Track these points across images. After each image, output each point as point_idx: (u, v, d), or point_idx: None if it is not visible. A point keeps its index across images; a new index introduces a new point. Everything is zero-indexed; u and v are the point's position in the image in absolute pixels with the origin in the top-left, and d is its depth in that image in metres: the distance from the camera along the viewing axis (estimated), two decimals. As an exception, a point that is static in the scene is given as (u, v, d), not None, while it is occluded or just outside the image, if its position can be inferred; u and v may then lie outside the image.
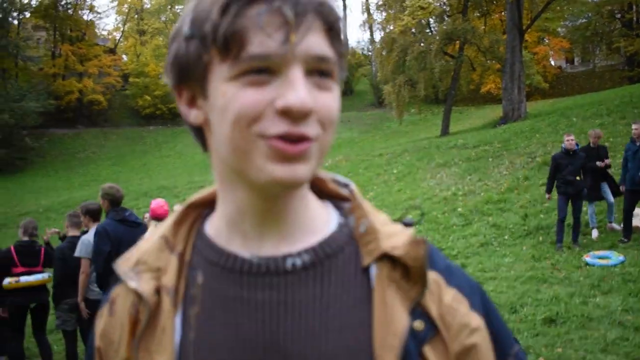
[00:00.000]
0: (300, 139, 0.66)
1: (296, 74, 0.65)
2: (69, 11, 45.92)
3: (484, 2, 27.31)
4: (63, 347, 6.88)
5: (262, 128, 0.66)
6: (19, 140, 36.64)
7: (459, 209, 12.57)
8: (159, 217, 5.36)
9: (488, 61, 28.58)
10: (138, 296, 0.78)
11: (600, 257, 8.46)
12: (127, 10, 53.69)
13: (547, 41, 40.87)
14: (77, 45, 44.92)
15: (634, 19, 37.25)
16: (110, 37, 55.14)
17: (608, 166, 9.60)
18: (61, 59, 44.20)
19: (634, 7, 35.53)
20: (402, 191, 15.20)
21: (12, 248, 6.53)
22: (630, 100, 18.15)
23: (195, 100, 0.74)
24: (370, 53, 47.81)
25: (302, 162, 0.68)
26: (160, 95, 43.65)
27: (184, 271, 0.80)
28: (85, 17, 48.13)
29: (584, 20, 38.00)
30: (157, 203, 5.46)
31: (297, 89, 0.65)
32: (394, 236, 0.77)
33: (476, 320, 0.76)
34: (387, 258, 0.76)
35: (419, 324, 0.73)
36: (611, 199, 9.62)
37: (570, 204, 9.34)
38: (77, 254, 5.80)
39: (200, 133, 0.77)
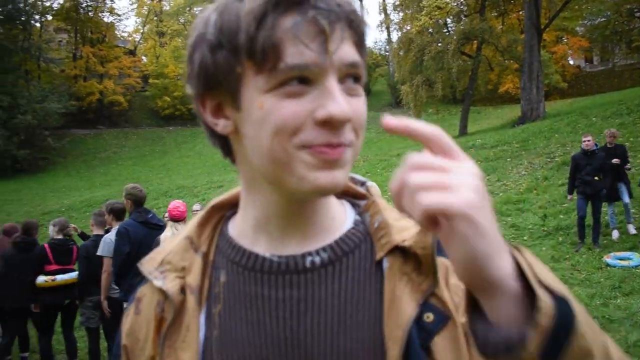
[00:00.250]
0: (339, 145, 0.68)
1: (333, 83, 0.66)
2: (90, 14, 46.48)
3: (501, 2, 27.14)
4: (85, 344, 6.98)
5: (303, 138, 0.67)
6: (42, 140, 37.18)
7: (478, 210, 12.51)
8: (174, 218, 5.45)
9: (506, 61, 28.41)
10: (164, 295, 0.81)
11: (621, 258, 8.38)
12: (146, 12, 54.14)
13: (565, 40, 40.45)
14: (97, 47, 45.45)
15: (655, 17, 36.76)
16: (130, 39, 55.61)
17: (624, 166, 9.51)
18: (82, 60, 44.74)
19: (655, 5, 35.04)
20: (421, 191, 15.16)
21: (46, 246, 6.56)
22: (651, 99, 17.92)
23: (221, 110, 0.74)
24: (387, 53, 47.71)
25: (340, 167, 0.69)
26: (180, 96, 44.01)
27: (207, 270, 0.82)
28: (105, 20, 48.69)
29: (603, 19, 37.50)
30: (174, 204, 5.56)
31: (336, 99, 0.66)
32: (406, 230, 0.77)
33: None
34: (399, 251, 0.77)
35: (428, 316, 0.73)
36: (626, 199, 9.54)
37: (590, 204, 9.29)
38: (99, 252, 5.88)
39: (224, 141, 0.77)
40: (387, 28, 42.98)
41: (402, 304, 0.73)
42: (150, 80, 46.76)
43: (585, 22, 39.64)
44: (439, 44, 25.51)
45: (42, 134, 37.15)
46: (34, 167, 36.08)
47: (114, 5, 63.51)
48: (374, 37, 64.02)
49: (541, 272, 0.59)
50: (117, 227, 5.91)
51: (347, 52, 0.68)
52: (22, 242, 6.77)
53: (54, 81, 43.23)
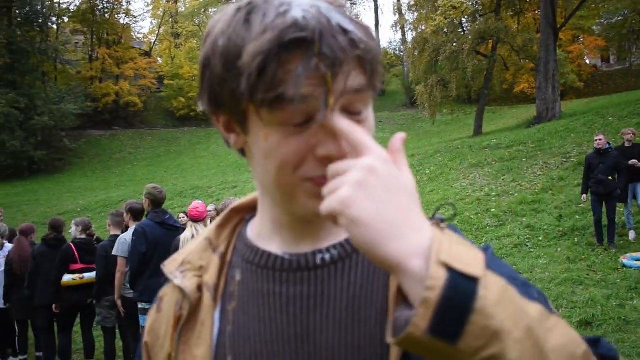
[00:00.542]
0: None
1: (334, 120, 0.67)
2: (106, 15, 46.86)
3: (517, 1, 26.93)
4: (101, 344, 7.04)
5: (306, 171, 0.70)
6: (58, 141, 37.54)
7: (492, 210, 12.46)
8: (193, 219, 5.49)
9: (521, 60, 28.18)
10: (182, 293, 0.84)
11: (638, 259, 8.31)
12: (162, 14, 54.53)
13: (582, 39, 40.05)
14: (113, 49, 45.81)
15: (673, 15, 36.28)
16: (145, 40, 56.04)
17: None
18: (98, 62, 45.13)
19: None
20: (435, 192, 15.12)
21: (71, 245, 6.63)
22: (669, 99, 17.72)
23: (232, 127, 0.76)
24: (402, 53, 47.63)
25: None
26: (195, 97, 44.14)
27: (224, 270, 0.86)
28: (121, 21, 49.03)
29: (620, 18, 37.11)
30: (193, 205, 5.61)
31: (336, 138, 0.68)
32: None
33: None
34: None
35: None
36: None
37: (604, 204, 9.23)
38: (114, 252, 5.95)
39: (242, 151, 0.80)
40: (402, 28, 42.92)
41: None
42: (166, 82, 47.03)
43: (602, 21, 39.25)
44: (454, 44, 25.38)
45: (58, 135, 37.51)
46: (50, 167, 36.47)
47: (130, 7, 64.10)
48: (389, 38, 63.89)
49: (456, 250, 0.59)
50: (134, 226, 5.97)
51: (351, 85, 0.68)
52: (53, 240, 6.84)
53: (71, 82, 43.72)
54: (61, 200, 26.00)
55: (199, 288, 0.84)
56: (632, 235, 9.49)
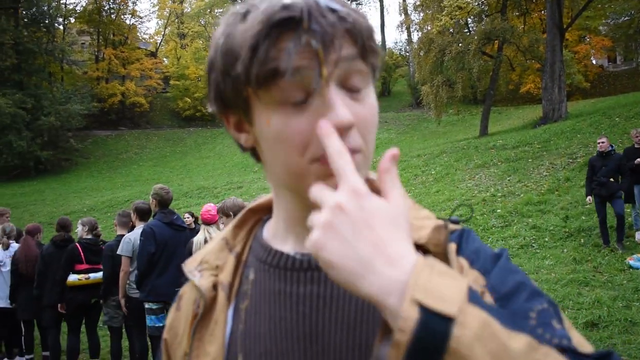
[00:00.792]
0: None
1: (332, 91, 0.68)
2: (112, 16, 47.02)
3: (523, 1, 26.83)
4: (107, 344, 7.06)
5: (313, 152, 0.70)
6: (64, 141, 37.72)
7: (498, 211, 12.44)
8: (205, 222, 5.52)
9: (527, 61, 28.11)
10: (199, 292, 0.85)
11: (644, 260, 8.28)
12: (167, 14, 54.65)
13: (588, 40, 39.91)
14: (119, 49, 45.98)
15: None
16: (151, 40, 56.19)
17: None
18: (104, 62, 45.28)
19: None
20: (440, 192, 15.10)
21: (77, 245, 6.64)
22: (676, 99, 17.65)
23: (242, 125, 0.78)
24: (407, 54, 47.61)
25: None
26: (200, 98, 44.36)
27: (239, 269, 0.87)
28: (127, 22, 49.24)
29: (627, 18, 36.97)
30: (205, 208, 5.64)
31: (335, 108, 0.68)
32: (424, 228, 0.77)
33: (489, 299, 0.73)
34: (417, 249, 0.77)
35: None
36: None
37: (609, 205, 9.22)
38: (118, 251, 5.98)
39: (253, 150, 0.81)
40: (408, 28, 42.83)
41: None
42: (171, 82, 47.17)
43: (609, 21, 39.11)
44: (460, 44, 25.32)
45: (65, 135, 37.68)
46: (57, 168, 36.63)
47: (136, 8, 64.27)
48: (394, 38, 63.89)
49: (434, 284, 0.56)
50: (140, 226, 5.99)
51: (345, 59, 0.69)
52: (61, 240, 6.86)
53: (77, 83, 43.91)
54: (67, 200, 26.10)
55: (215, 287, 0.85)
56: (638, 236, 9.46)
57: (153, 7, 60.23)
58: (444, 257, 0.74)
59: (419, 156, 20.01)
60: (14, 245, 7.52)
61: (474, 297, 0.57)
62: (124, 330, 6.73)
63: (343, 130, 0.68)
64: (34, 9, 40.65)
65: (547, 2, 23.06)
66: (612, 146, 9.35)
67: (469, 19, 28.92)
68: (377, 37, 0.76)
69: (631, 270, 8.13)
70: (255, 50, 0.68)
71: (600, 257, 8.94)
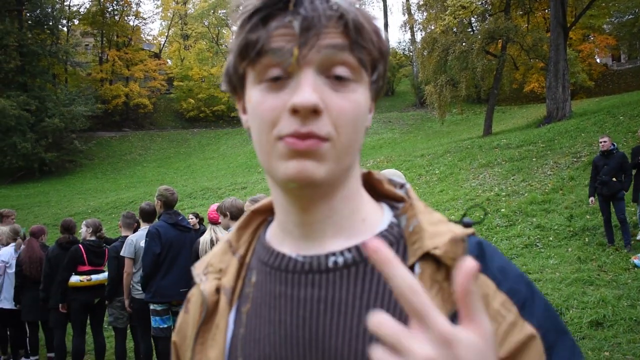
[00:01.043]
0: (308, 136, 0.69)
1: (305, 76, 0.70)
2: (116, 18, 47.14)
3: (526, 0, 26.79)
4: (112, 345, 7.07)
5: (279, 130, 0.71)
6: (69, 143, 37.81)
7: (502, 210, 12.41)
8: (212, 222, 5.55)
9: (531, 60, 28.04)
10: (202, 295, 0.85)
11: (649, 260, 8.26)
12: (171, 16, 54.74)
13: (592, 38, 39.82)
14: (123, 51, 46.09)
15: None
16: (155, 42, 56.31)
17: None
18: (108, 64, 45.40)
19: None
20: (444, 192, 15.08)
21: (80, 246, 6.65)
22: (681, 97, 17.58)
23: (244, 105, 0.79)
24: (411, 53, 47.51)
25: (312, 159, 0.70)
26: (204, 99, 44.46)
27: (242, 272, 0.86)
28: (131, 23, 49.32)
29: (631, 17, 36.91)
30: (211, 208, 5.68)
31: (302, 89, 0.69)
32: (439, 236, 0.75)
33: (526, 329, 0.72)
34: (431, 258, 0.74)
35: None
36: None
37: (612, 205, 9.20)
38: (122, 253, 6.00)
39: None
40: (411, 28, 42.78)
41: None
42: (175, 83, 47.27)
43: (613, 19, 39.04)
44: (464, 44, 25.27)
45: (69, 137, 37.78)
46: (61, 169, 36.73)
47: (140, 9, 64.42)
48: (398, 38, 63.87)
49: None
50: (144, 228, 6.01)
51: (326, 46, 0.70)
52: (67, 242, 6.87)
53: (81, 84, 44.07)
54: (72, 201, 26.15)
55: (217, 290, 0.84)
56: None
57: (156, 8, 60.35)
58: None
59: (422, 156, 19.98)
60: (13, 246, 7.54)
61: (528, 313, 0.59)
62: (128, 331, 6.74)
63: (303, 112, 0.68)
64: (37, 11, 40.75)
65: (550, 1, 23.00)
66: (613, 145, 9.33)
67: (472, 18, 28.89)
68: (380, 35, 0.75)
69: (636, 269, 8.10)
70: (245, 25, 0.71)
71: (604, 256, 8.91)
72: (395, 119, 36.70)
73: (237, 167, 30.72)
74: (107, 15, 46.58)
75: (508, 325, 0.71)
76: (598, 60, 41.79)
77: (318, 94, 0.69)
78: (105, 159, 38.86)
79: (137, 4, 60.98)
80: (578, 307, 6.94)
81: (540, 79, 31.53)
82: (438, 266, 0.74)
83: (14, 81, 37.09)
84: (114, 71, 45.25)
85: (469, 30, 28.34)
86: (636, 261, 8.24)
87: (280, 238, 0.83)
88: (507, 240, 10.76)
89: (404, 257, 0.77)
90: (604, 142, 9.29)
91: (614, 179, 9.05)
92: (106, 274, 6.53)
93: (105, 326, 7.11)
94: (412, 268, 0.75)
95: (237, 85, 0.78)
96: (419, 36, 36.05)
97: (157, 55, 52.24)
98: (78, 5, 68.73)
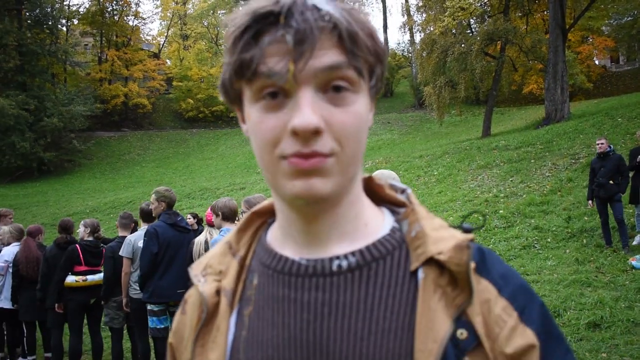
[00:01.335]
0: (312, 155, 0.69)
1: (303, 95, 0.69)
2: (115, 17, 47.11)
3: (525, 2, 26.76)
4: (109, 345, 7.06)
5: (281, 149, 0.70)
6: (67, 143, 37.80)
7: (501, 211, 12.42)
8: (209, 224, 5.55)
9: (530, 61, 28.05)
10: (202, 297, 0.84)
11: (647, 261, 8.26)
12: (170, 16, 54.71)
13: (591, 40, 39.85)
14: (122, 51, 46.07)
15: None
16: (154, 42, 56.26)
17: None
18: (107, 64, 45.38)
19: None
20: (443, 193, 15.08)
21: (77, 247, 6.63)
22: (679, 100, 17.60)
23: (243, 116, 0.79)
24: (410, 55, 47.54)
25: (318, 176, 0.71)
26: (203, 99, 44.45)
27: (243, 274, 0.85)
28: (130, 23, 49.31)
29: (629, 19, 36.95)
30: (209, 210, 5.68)
31: (302, 111, 0.68)
32: (442, 241, 0.76)
33: (527, 335, 0.73)
34: (434, 263, 0.75)
35: (462, 333, 0.72)
36: None
37: (609, 207, 9.22)
38: (120, 252, 6.01)
39: None
40: (410, 29, 42.75)
41: (437, 317, 0.72)
42: (174, 83, 47.23)
43: (611, 21, 39.08)
44: (462, 45, 25.26)
45: (68, 137, 37.78)
46: (59, 169, 36.72)
47: (139, 9, 64.39)
48: (397, 39, 63.93)
49: None
50: (143, 228, 6.01)
51: (322, 60, 0.69)
52: (64, 242, 6.86)
53: (80, 84, 44.04)
54: (70, 201, 26.13)
55: (218, 292, 0.83)
56: (637, 239, 9.40)
57: (156, 8, 60.29)
58: (466, 277, 0.73)
59: (421, 157, 19.99)
60: (16, 246, 7.52)
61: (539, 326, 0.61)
62: (125, 331, 6.72)
63: (308, 134, 0.68)
64: (37, 11, 40.73)
65: (549, 3, 23.01)
66: (610, 147, 9.34)
67: (471, 20, 28.90)
68: (375, 38, 0.74)
69: (634, 270, 8.11)
70: (238, 43, 0.70)
71: (602, 257, 8.92)
72: (394, 120, 36.71)
73: (236, 167, 30.71)
74: (107, 15, 46.54)
75: (509, 330, 0.72)
76: (597, 62, 41.81)
77: (318, 113, 0.69)
78: (103, 159, 38.83)
79: (137, 4, 61.00)
80: (576, 309, 6.95)
81: (539, 81, 31.55)
82: (441, 271, 0.75)
83: (13, 80, 37.07)
84: (113, 71, 45.21)
85: (468, 31, 28.33)
86: (634, 263, 8.25)
87: (281, 241, 0.83)
88: (505, 241, 10.77)
89: (406, 261, 0.78)
90: (601, 144, 9.31)
91: (610, 182, 9.06)
92: (102, 274, 6.52)
93: (102, 326, 7.10)
94: (415, 272, 0.76)
95: (234, 98, 0.78)
96: (418, 37, 36.06)
97: (156, 56, 52.21)
98: (77, 4, 68.81)
